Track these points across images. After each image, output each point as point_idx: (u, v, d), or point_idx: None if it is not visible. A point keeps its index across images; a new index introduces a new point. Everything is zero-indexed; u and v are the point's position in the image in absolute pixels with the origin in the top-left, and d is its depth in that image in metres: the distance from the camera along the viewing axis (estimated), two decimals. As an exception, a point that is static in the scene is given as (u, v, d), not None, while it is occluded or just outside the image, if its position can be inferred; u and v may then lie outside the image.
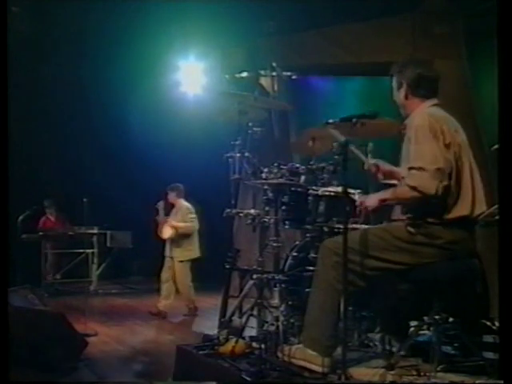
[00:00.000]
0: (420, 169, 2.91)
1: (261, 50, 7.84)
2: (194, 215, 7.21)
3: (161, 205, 7.28)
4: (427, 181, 2.89)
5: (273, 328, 3.50)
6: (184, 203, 7.27)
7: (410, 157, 3.01)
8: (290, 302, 3.73)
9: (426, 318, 3.10)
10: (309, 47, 7.88)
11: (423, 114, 3.10)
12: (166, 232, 7.04)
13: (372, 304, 3.57)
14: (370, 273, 3.06)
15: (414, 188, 2.90)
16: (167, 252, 7.12)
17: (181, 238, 7.08)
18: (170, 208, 7.36)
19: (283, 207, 3.84)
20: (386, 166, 3.47)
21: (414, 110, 3.20)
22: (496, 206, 3.02)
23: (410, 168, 2.95)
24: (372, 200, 3.16)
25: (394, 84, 3.30)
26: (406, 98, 3.24)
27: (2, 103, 2.91)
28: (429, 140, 2.96)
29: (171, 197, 7.29)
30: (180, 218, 7.14)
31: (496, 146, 2.77)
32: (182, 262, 7.05)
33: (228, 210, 4.06)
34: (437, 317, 3.02)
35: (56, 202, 9.95)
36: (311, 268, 3.57)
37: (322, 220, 3.78)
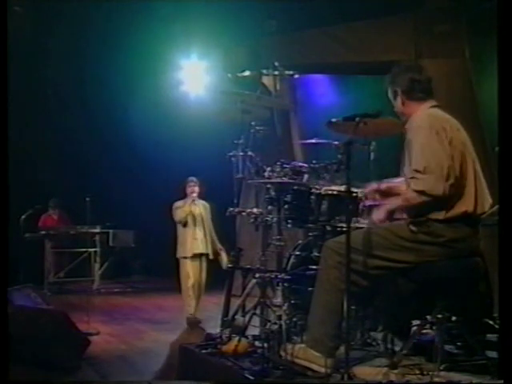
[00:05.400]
0: (425, 171, 2.89)
1: (263, 48, 7.84)
2: None
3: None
4: (434, 183, 2.88)
5: (275, 327, 3.50)
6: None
7: (412, 159, 2.99)
8: (292, 301, 3.73)
9: (428, 316, 3.10)
10: (311, 46, 7.85)
11: (422, 116, 3.12)
12: None
13: (375, 303, 3.57)
14: (373, 272, 3.05)
15: (421, 192, 2.90)
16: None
17: None
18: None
19: (286, 206, 3.84)
20: (382, 185, 3.45)
21: (414, 113, 3.21)
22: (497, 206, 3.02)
23: (415, 171, 2.93)
24: (380, 214, 3.11)
25: (390, 95, 3.30)
26: (403, 104, 3.25)
27: (2, 103, 2.91)
28: (431, 140, 2.95)
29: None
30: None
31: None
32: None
33: (231, 209, 4.06)
34: (440, 316, 3.02)
35: (61, 201, 9.96)
36: (314, 267, 3.57)
37: (324, 219, 3.79)
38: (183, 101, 8.56)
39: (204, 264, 6.67)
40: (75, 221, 9.74)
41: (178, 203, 6.66)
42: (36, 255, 9.18)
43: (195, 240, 6.59)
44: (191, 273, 6.55)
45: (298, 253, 4.03)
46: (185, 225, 6.62)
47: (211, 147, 7.72)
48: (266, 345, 3.40)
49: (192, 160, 9.75)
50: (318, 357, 3.03)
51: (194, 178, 6.74)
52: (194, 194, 6.66)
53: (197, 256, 6.60)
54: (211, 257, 6.65)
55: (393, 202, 3.15)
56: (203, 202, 6.79)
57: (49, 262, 9.53)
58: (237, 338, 3.54)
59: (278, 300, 3.69)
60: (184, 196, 6.70)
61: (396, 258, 3.03)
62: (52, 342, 4.40)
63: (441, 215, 2.97)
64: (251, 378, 3.06)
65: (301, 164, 3.98)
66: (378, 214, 3.12)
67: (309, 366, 3.05)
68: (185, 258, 6.59)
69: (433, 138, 2.95)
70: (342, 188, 3.71)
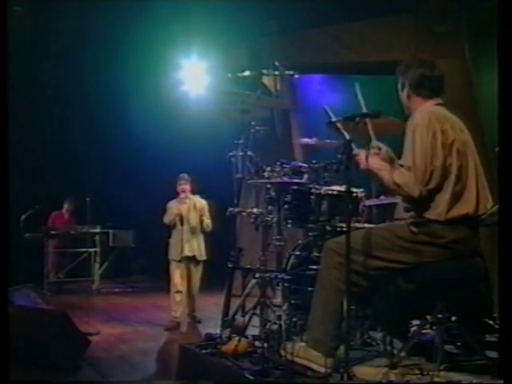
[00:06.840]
0: (408, 169, 2.92)
1: (263, 48, 7.84)
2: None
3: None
4: (412, 183, 2.91)
5: (275, 327, 3.51)
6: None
7: (403, 153, 3.01)
8: (292, 301, 3.73)
9: (428, 317, 3.10)
10: (311, 46, 7.86)
11: (423, 113, 3.09)
12: None
13: (375, 303, 3.57)
14: (373, 273, 3.05)
15: (398, 185, 2.94)
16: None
17: None
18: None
19: (286, 206, 3.84)
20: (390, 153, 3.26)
21: (417, 109, 3.20)
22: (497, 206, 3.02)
23: (401, 165, 2.97)
24: (363, 158, 3.05)
25: (399, 86, 3.30)
26: (409, 98, 3.24)
27: (2, 102, 2.92)
28: (424, 139, 2.95)
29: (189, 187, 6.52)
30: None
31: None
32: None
33: (231, 209, 4.06)
34: (440, 316, 3.02)
35: (75, 202, 9.90)
36: (314, 267, 3.58)
37: (324, 219, 3.79)
38: (183, 101, 8.56)
39: (196, 267, 6.49)
40: (76, 221, 9.75)
41: (170, 204, 6.50)
42: (36, 255, 9.17)
43: (182, 242, 6.39)
44: (178, 276, 6.39)
45: (297, 253, 4.03)
46: (174, 226, 6.46)
47: (211, 147, 7.72)
48: (265, 345, 3.40)
49: (192, 160, 9.75)
50: (318, 356, 3.04)
51: (185, 175, 6.47)
52: (183, 195, 6.42)
53: (184, 259, 6.41)
54: (200, 259, 6.47)
55: (379, 165, 3.06)
56: (199, 198, 6.53)
57: (49, 262, 9.52)
58: (237, 338, 3.54)
59: (278, 300, 3.69)
60: (176, 195, 6.48)
61: (396, 259, 3.03)
62: (52, 342, 4.40)
63: (441, 217, 2.96)
64: (251, 377, 3.07)
65: (300, 164, 3.98)
66: (361, 157, 3.05)
67: (309, 366, 3.06)
68: (174, 260, 6.45)
69: (427, 138, 2.95)
70: (342, 188, 3.71)
